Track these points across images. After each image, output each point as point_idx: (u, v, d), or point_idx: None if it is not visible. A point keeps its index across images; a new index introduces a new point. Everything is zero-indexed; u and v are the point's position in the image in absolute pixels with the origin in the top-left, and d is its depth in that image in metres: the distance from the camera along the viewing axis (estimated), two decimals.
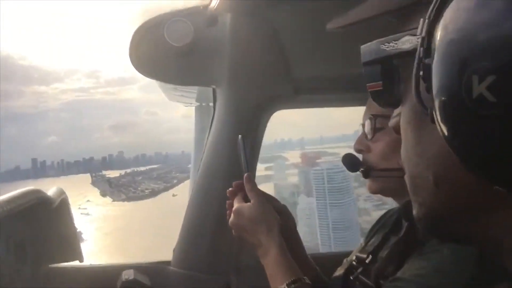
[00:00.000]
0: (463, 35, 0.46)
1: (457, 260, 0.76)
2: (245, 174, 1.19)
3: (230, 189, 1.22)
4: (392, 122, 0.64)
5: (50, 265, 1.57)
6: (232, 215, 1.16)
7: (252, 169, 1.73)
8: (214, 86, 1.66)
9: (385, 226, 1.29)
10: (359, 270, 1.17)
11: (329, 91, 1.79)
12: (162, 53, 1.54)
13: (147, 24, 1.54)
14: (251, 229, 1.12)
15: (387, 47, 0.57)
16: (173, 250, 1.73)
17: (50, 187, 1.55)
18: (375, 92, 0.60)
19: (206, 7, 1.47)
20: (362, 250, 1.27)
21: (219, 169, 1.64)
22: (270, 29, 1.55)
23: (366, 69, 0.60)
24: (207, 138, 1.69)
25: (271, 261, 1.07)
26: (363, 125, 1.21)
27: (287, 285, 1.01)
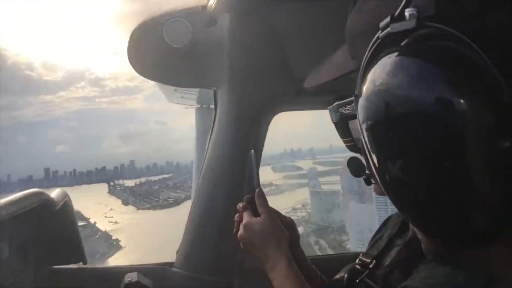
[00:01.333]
0: (372, 123, 0.55)
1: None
2: (257, 189, 1.20)
3: (241, 203, 1.22)
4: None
5: (52, 267, 1.57)
6: (241, 228, 1.17)
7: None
8: (214, 88, 1.66)
9: (391, 230, 1.26)
10: (365, 273, 1.15)
11: (331, 93, 1.77)
12: (161, 54, 1.54)
13: (145, 25, 1.54)
14: (260, 244, 1.13)
15: (345, 110, 0.71)
16: (176, 252, 1.73)
17: None
18: (349, 145, 0.69)
19: (204, 7, 1.47)
20: (366, 254, 1.25)
21: (222, 171, 1.63)
22: (270, 29, 1.54)
23: (336, 127, 0.72)
24: (209, 140, 1.68)
25: (279, 274, 1.08)
26: None
27: None
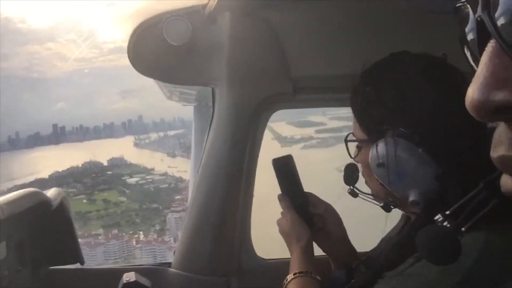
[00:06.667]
0: None
1: (440, 269, 0.77)
2: (278, 195, 1.39)
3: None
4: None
5: (50, 267, 1.56)
6: (281, 218, 1.41)
7: (253, 169, 1.71)
8: (213, 86, 1.66)
9: (397, 226, 1.32)
10: (363, 259, 1.26)
11: (328, 91, 1.78)
12: (161, 52, 1.53)
13: (146, 23, 1.53)
14: (285, 238, 1.38)
15: None
16: (174, 252, 1.73)
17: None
18: None
19: (204, 6, 1.47)
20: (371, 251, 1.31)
21: (219, 170, 1.63)
22: (269, 28, 1.55)
23: None
24: (207, 138, 1.68)
25: (291, 261, 1.32)
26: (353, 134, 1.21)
27: (293, 274, 1.25)
